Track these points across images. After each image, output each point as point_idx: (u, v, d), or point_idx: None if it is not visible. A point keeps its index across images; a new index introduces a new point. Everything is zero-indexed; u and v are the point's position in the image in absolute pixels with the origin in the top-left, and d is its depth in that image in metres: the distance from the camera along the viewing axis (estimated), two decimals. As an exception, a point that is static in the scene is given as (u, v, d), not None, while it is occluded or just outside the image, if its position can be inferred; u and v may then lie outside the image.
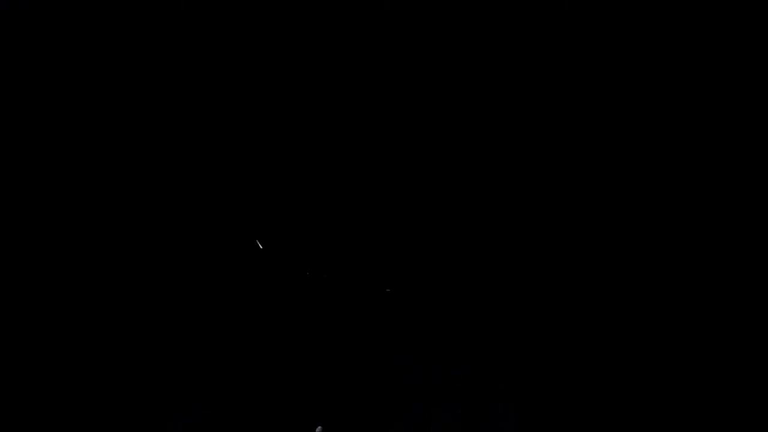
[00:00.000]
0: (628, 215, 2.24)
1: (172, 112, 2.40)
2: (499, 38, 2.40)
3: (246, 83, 2.43)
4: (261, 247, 2.22)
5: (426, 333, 2.07)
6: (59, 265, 2.15)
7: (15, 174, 2.27)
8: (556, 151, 2.35)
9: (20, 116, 2.33)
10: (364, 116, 2.42)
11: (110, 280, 2.14)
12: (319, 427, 1.30)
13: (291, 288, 2.17)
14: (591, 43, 2.38)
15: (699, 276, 2.12)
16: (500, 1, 2.39)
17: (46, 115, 2.35)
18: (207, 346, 2.03)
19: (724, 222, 2.18)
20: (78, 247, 2.19)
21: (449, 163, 2.37)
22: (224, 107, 2.41)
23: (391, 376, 1.96)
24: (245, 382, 1.96)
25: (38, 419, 1.87)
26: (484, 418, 1.89)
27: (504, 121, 2.39)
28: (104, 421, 1.88)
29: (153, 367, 1.98)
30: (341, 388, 1.88)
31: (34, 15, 2.37)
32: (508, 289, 2.15)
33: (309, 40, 2.43)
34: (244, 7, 2.43)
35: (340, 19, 2.43)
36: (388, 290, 2.15)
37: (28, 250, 2.17)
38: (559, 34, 2.39)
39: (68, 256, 2.17)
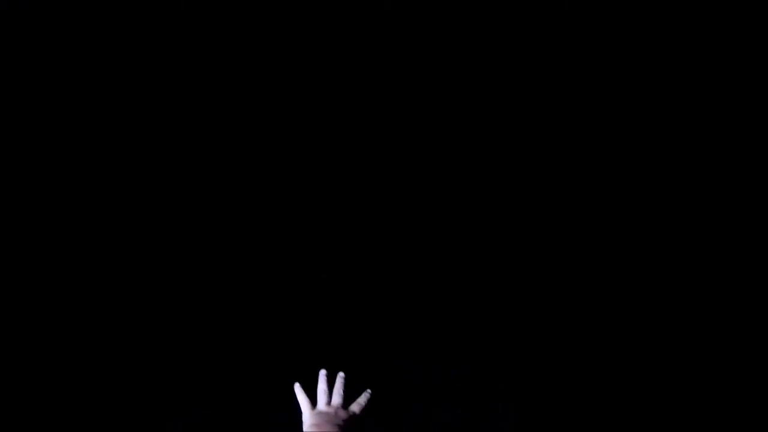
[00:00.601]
0: (628, 215, 2.24)
1: (172, 112, 2.40)
2: (499, 38, 2.40)
3: (245, 83, 2.43)
4: (263, 247, 2.22)
5: (426, 333, 2.07)
6: (59, 264, 2.15)
7: (14, 174, 2.27)
8: (556, 151, 2.35)
9: (20, 116, 2.33)
10: (363, 116, 2.42)
11: (110, 279, 2.14)
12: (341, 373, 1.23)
13: (291, 288, 2.16)
14: (590, 43, 2.38)
15: (699, 276, 2.12)
16: (500, 1, 2.39)
17: (46, 115, 2.35)
18: (207, 346, 2.03)
19: (721, 223, 2.18)
20: (78, 246, 2.19)
21: (449, 163, 2.37)
22: (224, 107, 2.41)
23: (391, 376, 1.96)
24: (245, 382, 1.95)
25: (38, 419, 1.87)
26: (484, 418, 1.89)
27: (503, 121, 2.39)
28: (104, 421, 1.88)
29: (153, 367, 1.98)
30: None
31: (34, 15, 2.37)
32: (508, 289, 2.15)
33: (309, 40, 2.43)
34: (243, 6, 2.43)
35: (340, 19, 2.43)
36: (388, 290, 2.15)
37: (28, 250, 2.17)
38: (559, 34, 2.39)
39: (68, 256, 2.17)
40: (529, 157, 2.34)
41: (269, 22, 2.43)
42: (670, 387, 1.93)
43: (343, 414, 1.10)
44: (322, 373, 1.20)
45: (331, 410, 1.11)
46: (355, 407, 1.14)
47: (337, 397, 1.15)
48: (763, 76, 2.28)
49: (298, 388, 1.17)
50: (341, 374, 1.19)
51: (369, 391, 1.18)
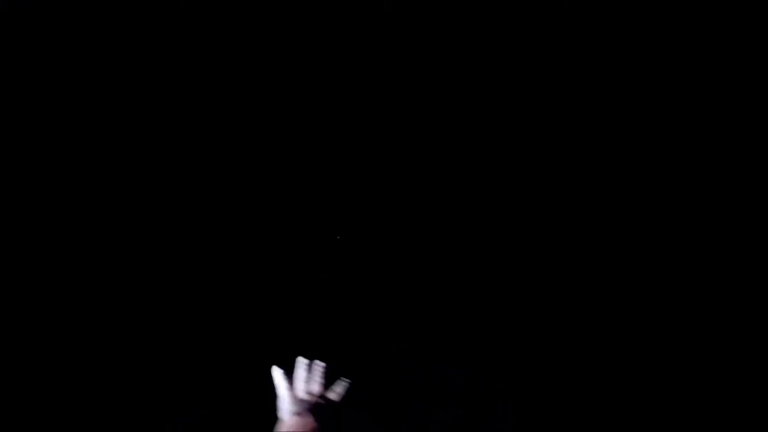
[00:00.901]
0: (627, 215, 2.24)
1: (172, 112, 2.40)
2: (499, 38, 2.40)
3: (245, 83, 2.42)
4: (262, 245, 2.22)
5: (426, 333, 2.07)
6: (59, 264, 2.15)
7: (14, 174, 2.27)
8: (556, 152, 2.35)
9: (20, 116, 2.33)
10: (363, 116, 2.42)
11: (110, 279, 2.14)
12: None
13: (291, 288, 2.16)
14: (590, 43, 2.37)
15: (698, 276, 2.12)
16: (500, 1, 2.38)
17: (46, 115, 2.35)
18: (207, 346, 2.03)
19: (721, 222, 2.18)
20: (78, 246, 2.19)
21: (449, 164, 2.36)
22: (223, 107, 2.41)
23: (391, 376, 1.96)
24: (245, 382, 1.95)
25: (38, 419, 1.87)
26: (484, 418, 1.88)
27: (503, 121, 2.39)
28: (104, 420, 1.88)
29: (153, 367, 1.98)
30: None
31: (34, 15, 2.36)
32: (508, 289, 2.15)
33: (308, 40, 2.43)
34: (243, 6, 2.42)
35: (339, 19, 2.43)
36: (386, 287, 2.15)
37: (27, 251, 2.17)
38: (559, 34, 2.39)
39: (68, 256, 2.17)
40: (528, 157, 2.34)
41: (269, 21, 2.43)
42: (670, 387, 1.93)
43: (320, 401, 1.10)
44: (301, 360, 1.19)
45: (309, 398, 1.10)
46: (332, 395, 1.13)
47: (314, 385, 1.14)
48: (763, 76, 2.28)
49: (276, 373, 1.16)
50: (318, 362, 1.18)
51: (346, 380, 1.16)
